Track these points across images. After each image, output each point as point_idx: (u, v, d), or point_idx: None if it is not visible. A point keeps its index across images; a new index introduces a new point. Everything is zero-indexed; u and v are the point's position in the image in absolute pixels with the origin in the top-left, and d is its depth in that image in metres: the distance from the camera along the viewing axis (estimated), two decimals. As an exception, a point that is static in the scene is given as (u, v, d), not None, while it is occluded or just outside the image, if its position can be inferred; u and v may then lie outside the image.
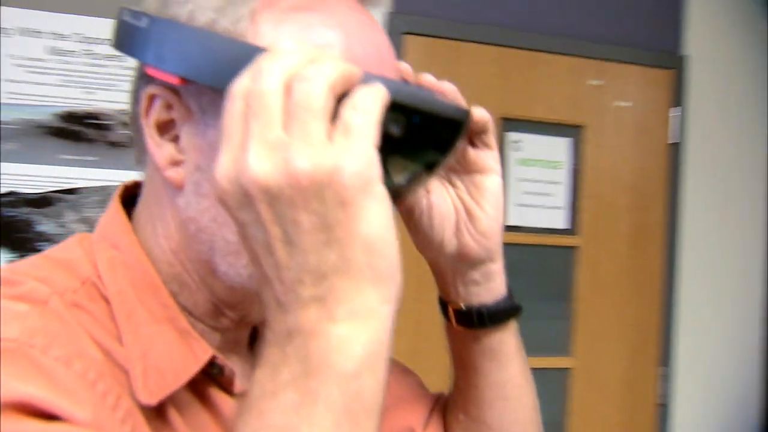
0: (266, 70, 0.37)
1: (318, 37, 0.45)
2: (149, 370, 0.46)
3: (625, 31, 1.95)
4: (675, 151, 1.98)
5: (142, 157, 0.52)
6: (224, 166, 0.37)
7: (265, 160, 0.35)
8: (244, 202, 0.37)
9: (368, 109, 0.37)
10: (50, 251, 0.52)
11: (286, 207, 0.36)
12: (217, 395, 0.50)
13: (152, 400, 0.46)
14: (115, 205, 0.53)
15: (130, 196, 0.54)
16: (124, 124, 0.78)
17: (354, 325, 0.36)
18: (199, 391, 0.49)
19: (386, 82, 0.39)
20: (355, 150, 0.36)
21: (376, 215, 0.36)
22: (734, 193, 2.02)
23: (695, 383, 1.98)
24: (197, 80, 0.44)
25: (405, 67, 0.52)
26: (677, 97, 1.97)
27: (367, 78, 0.39)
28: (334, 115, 0.37)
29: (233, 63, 0.40)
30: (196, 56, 0.43)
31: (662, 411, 1.96)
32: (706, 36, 2.00)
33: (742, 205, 2.03)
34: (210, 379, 0.49)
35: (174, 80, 0.44)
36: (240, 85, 0.38)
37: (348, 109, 0.37)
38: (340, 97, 0.37)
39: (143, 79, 0.49)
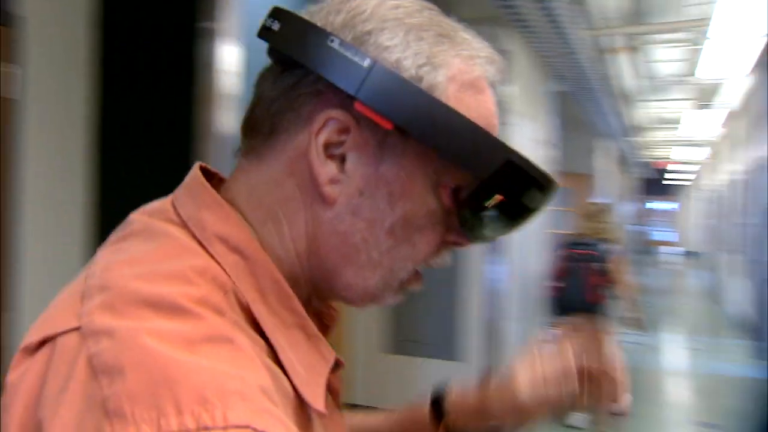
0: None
1: (484, 116, 0.54)
2: (301, 377, 0.49)
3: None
4: (13, 107, 2.06)
5: (260, 152, 0.54)
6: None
7: None
8: None
9: None
10: (170, 251, 0.49)
11: None
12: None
13: (322, 406, 0.49)
14: (216, 199, 0.52)
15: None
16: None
17: None
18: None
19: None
20: None
21: None
22: (65, 148, 2.25)
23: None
24: (411, 132, 0.50)
25: None
26: (14, 55, 2.05)
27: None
28: None
29: (444, 126, 0.50)
30: (415, 112, 0.50)
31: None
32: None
33: (71, 157, 2.27)
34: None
35: (387, 125, 0.50)
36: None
37: None
38: None
39: (318, 98, 0.52)
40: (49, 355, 0.44)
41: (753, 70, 7.41)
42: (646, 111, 11.78)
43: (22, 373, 0.45)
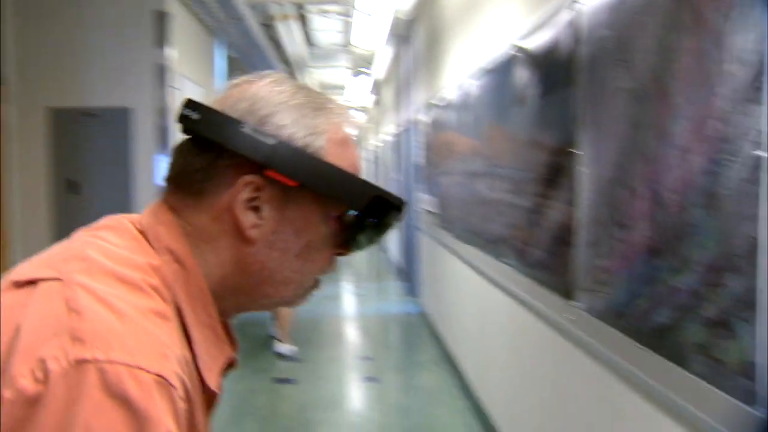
0: None
1: (353, 163, 0.76)
2: (204, 362, 0.68)
3: None
4: None
5: (192, 203, 0.72)
6: None
7: None
8: None
9: None
10: (136, 248, 0.68)
11: None
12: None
13: (215, 386, 0.70)
14: (171, 221, 0.72)
15: None
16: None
17: None
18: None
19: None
20: None
21: None
22: None
23: None
24: (307, 185, 0.71)
25: None
26: None
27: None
28: None
29: (329, 177, 0.72)
30: (309, 171, 0.71)
31: None
32: None
33: None
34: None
35: (291, 183, 0.71)
36: None
37: None
38: None
39: (236, 168, 0.71)
40: (30, 292, 0.60)
41: (389, 41, 8.30)
42: (314, 76, 12.48)
43: (8, 301, 0.60)
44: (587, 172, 2.06)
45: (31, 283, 0.61)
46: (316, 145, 0.73)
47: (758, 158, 1.25)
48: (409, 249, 6.76)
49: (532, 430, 2.86)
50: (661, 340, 1.60)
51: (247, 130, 0.71)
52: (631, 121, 1.76)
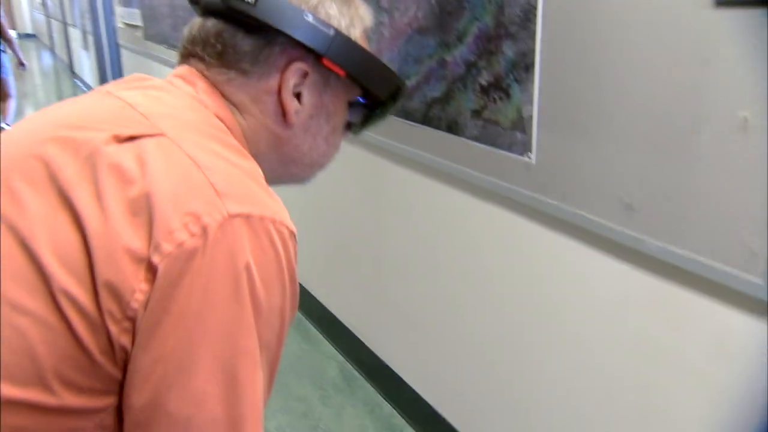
0: None
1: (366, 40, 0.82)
2: None
3: None
4: None
5: (231, 77, 0.74)
6: None
7: None
8: None
9: None
10: (199, 111, 0.72)
11: None
12: None
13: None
14: (216, 95, 0.74)
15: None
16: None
17: None
18: None
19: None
20: None
21: None
22: None
23: None
24: (359, 79, 0.77)
25: None
26: None
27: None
28: None
29: (380, 74, 0.79)
30: (359, 64, 0.76)
31: None
32: None
33: None
34: None
35: (342, 73, 0.75)
36: None
37: None
38: None
39: (286, 53, 0.74)
40: (138, 147, 0.62)
41: None
42: None
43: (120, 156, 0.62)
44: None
45: (132, 138, 0.62)
46: (355, 35, 0.77)
47: (530, -73, 1.34)
48: (113, 68, 6.19)
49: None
50: (435, 114, 1.73)
51: (309, 18, 0.72)
52: None
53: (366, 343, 2.39)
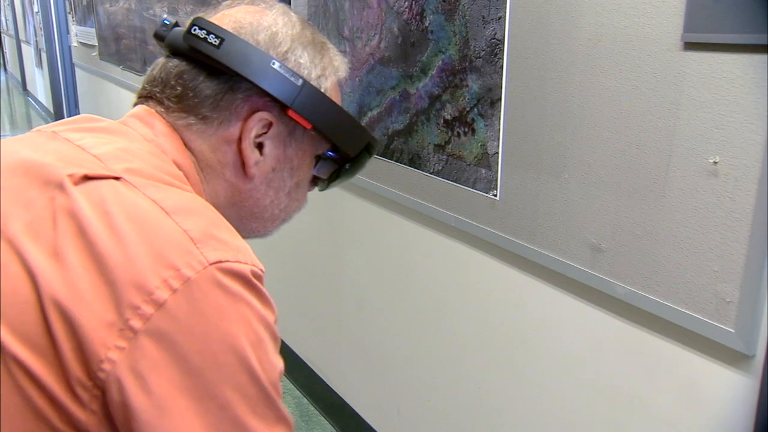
0: None
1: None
2: None
3: None
4: None
5: (190, 123, 0.69)
6: None
7: None
8: None
9: None
10: (156, 156, 0.66)
11: None
12: None
13: None
14: (176, 139, 0.68)
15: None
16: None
17: None
18: None
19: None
20: None
21: None
22: None
23: None
24: (325, 132, 0.72)
25: None
26: None
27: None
28: None
29: (349, 129, 0.74)
30: (326, 117, 0.71)
31: None
32: None
33: None
34: None
35: (308, 125, 0.70)
36: None
37: None
38: None
39: (249, 101, 0.69)
40: (94, 189, 0.57)
41: None
42: None
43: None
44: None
45: (88, 178, 0.58)
46: (325, 86, 0.73)
47: (496, -39, 1.31)
48: (66, 87, 6.05)
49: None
50: (397, 147, 1.69)
51: (277, 66, 0.68)
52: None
53: (323, 379, 2.31)
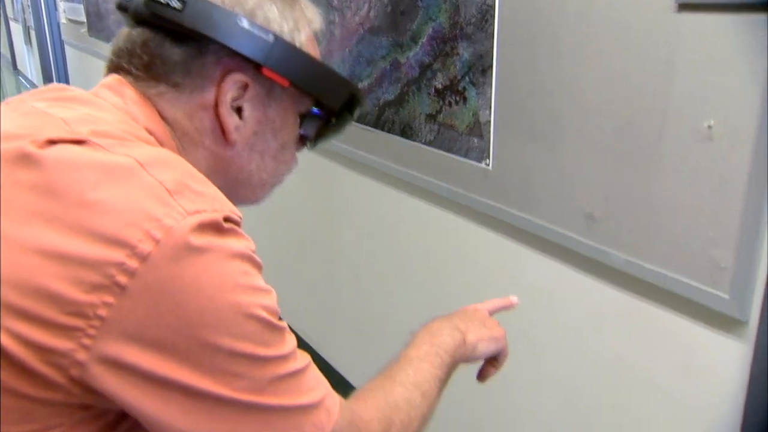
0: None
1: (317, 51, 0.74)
2: None
3: None
4: None
5: (162, 91, 0.66)
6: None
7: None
8: None
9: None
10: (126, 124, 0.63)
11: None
12: None
13: None
14: (148, 106, 0.66)
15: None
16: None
17: None
18: None
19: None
20: None
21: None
22: None
23: None
24: (301, 86, 0.69)
25: None
26: None
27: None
28: None
29: (329, 82, 0.72)
30: (303, 72, 0.68)
31: None
32: None
33: None
34: None
35: (285, 83, 0.67)
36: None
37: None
38: None
39: (221, 63, 0.65)
40: (63, 152, 0.55)
41: None
42: None
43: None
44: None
45: (52, 143, 0.56)
46: (300, 39, 0.70)
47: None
48: (57, 66, 5.98)
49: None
50: (389, 117, 1.67)
51: (245, 24, 0.65)
52: None
53: (319, 352, 2.31)
